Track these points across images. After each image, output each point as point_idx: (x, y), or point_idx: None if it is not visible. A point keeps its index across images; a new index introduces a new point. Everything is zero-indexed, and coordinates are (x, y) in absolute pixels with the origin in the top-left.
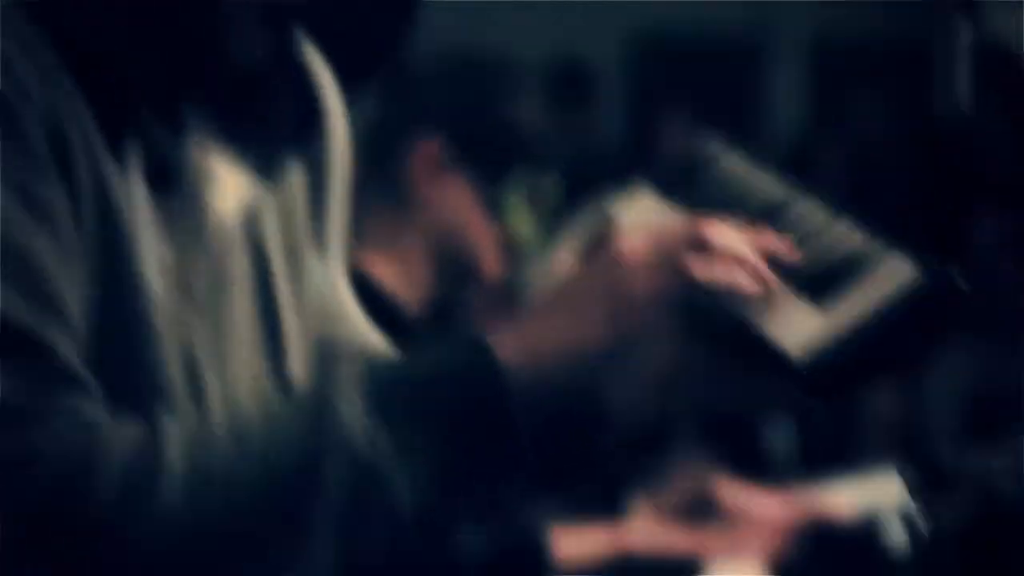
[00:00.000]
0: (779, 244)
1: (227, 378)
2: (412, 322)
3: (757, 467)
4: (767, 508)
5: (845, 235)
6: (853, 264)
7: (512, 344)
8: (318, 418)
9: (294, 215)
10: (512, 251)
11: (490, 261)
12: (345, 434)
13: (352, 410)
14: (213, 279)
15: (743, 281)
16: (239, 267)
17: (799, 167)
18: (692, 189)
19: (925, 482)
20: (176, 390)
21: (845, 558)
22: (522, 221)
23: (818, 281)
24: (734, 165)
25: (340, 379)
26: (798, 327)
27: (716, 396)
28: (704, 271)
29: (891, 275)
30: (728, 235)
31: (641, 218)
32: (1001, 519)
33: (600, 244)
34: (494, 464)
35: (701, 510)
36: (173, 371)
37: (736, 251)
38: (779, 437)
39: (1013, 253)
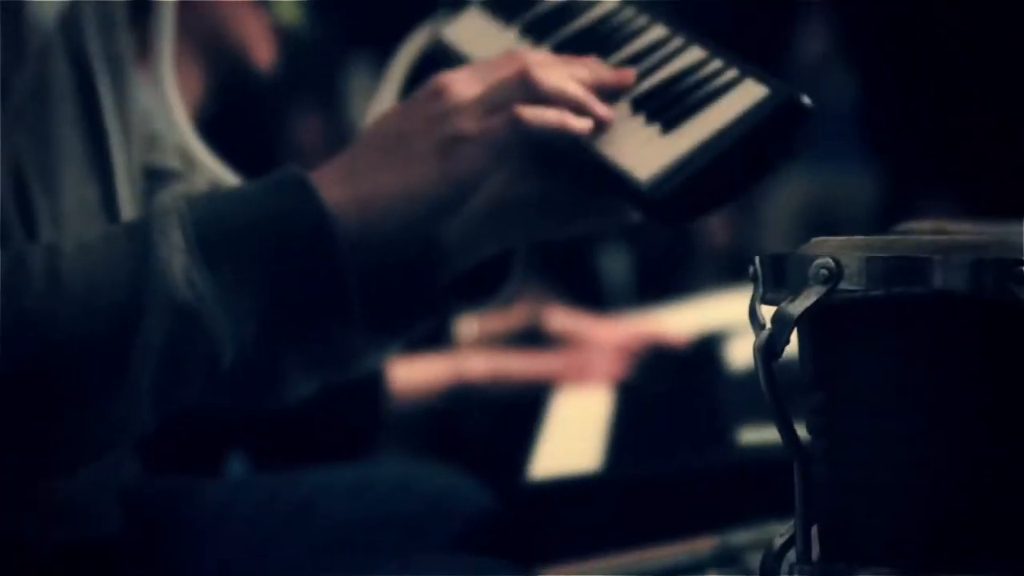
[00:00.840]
0: (611, 74)
1: (56, 201)
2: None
3: (593, 296)
4: (603, 332)
5: (698, 61)
6: (703, 89)
7: (338, 184)
8: (137, 257)
9: (115, 21)
10: (281, 37)
11: (262, 51)
12: (164, 274)
13: (171, 250)
14: (34, 88)
15: (573, 122)
16: (60, 75)
17: None
18: (530, 11)
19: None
20: (8, 215)
21: (684, 377)
22: (287, 5)
23: (667, 107)
24: None
25: (160, 215)
26: (642, 152)
27: (551, 227)
28: (534, 117)
29: (738, 98)
30: (555, 73)
31: (472, 41)
32: None
33: (426, 82)
34: (320, 306)
35: (536, 338)
36: (6, 195)
37: (564, 90)
38: (614, 266)
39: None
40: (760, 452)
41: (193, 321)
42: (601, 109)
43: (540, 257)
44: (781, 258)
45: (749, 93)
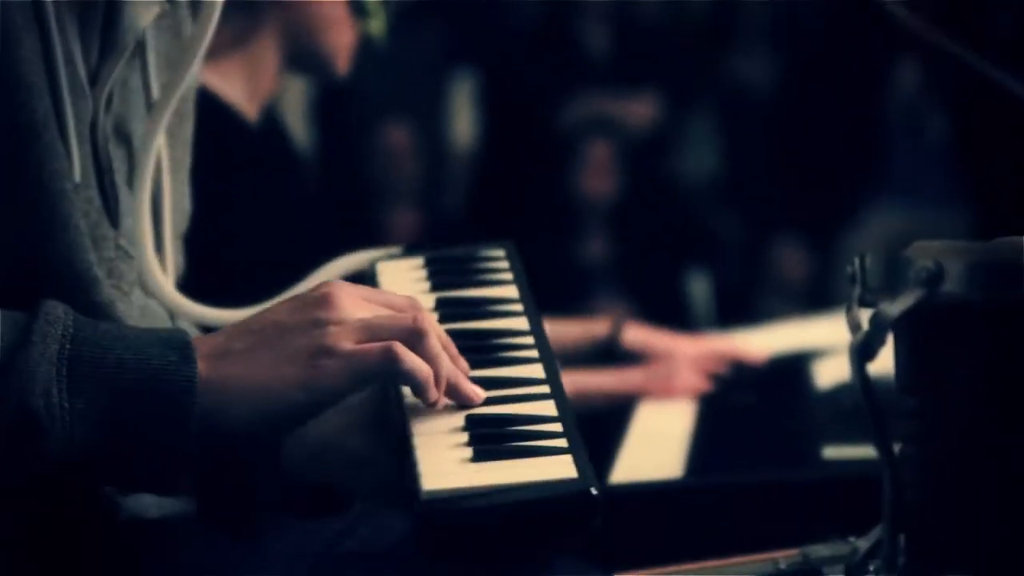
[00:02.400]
0: (468, 387)
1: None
2: (252, 131)
3: (678, 319)
4: (683, 347)
5: (544, 416)
6: (528, 442)
7: (210, 359)
8: (7, 347)
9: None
10: (363, 49)
11: (342, 60)
12: (24, 374)
13: (42, 358)
14: (122, 80)
15: (432, 389)
16: (136, 77)
17: None
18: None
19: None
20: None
21: (767, 394)
22: (377, 19)
23: (490, 440)
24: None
25: (47, 321)
26: (443, 465)
27: (362, 472)
28: (408, 359)
29: (549, 467)
30: (438, 339)
31: (394, 282)
32: None
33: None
34: (150, 463)
35: (611, 355)
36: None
37: (440, 358)
38: (697, 289)
39: None
40: (843, 468)
41: (32, 423)
42: (469, 389)
43: (624, 278)
44: (882, 259)
45: (560, 468)
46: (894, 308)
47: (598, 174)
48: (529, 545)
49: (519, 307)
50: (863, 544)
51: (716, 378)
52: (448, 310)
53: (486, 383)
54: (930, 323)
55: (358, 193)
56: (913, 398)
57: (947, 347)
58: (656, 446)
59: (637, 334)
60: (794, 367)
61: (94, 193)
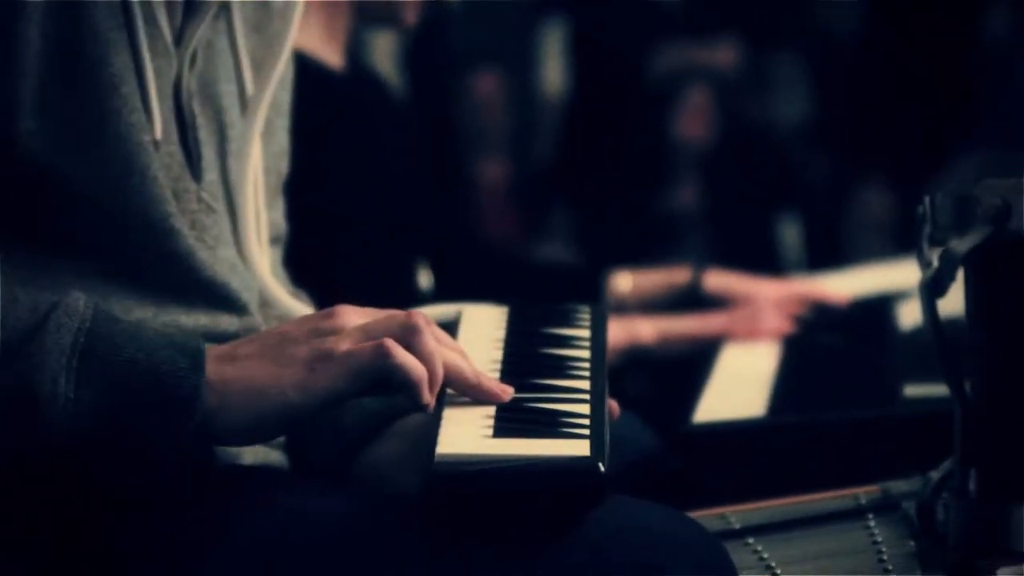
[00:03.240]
0: (494, 384)
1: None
2: (337, 79)
3: (768, 265)
4: (765, 290)
5: (573, 397)
6: (549, 426)
7: (216, 361)
8: (23, 331)
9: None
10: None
11: (411, 13)
12: (34, 359)
13: (55, 347)
14: (206, 42)
15: (426, 391)
16: (222, 38)
17: None
18: None
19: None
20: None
21: (850, 335)
22: None
23: (512, 420)
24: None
25: (66, 312)
26: (463, 435)
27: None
28: (399, 354)
29: (564, 446)
30: (432, 343)
31: (472, 327)
32: None
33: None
34: (152, 456)
35: (694, 301)
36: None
37: (433, 361)
38: (787, 234)
39: None
40: (924, 406)
41: (34, 408)
42: (495, 385)
43: (715, 225)
44: (952, 198)
45: (575, 448)
46: (962, 245)
47: (694, 119)
48: (534, 519)
49: (585, 368)
50: (935, 476)
51: (799, 320)
52: (514, 363)
53: (524, 388)
54: (998, 259)
55: (448, 142)
56: (982, 333)
57: (1015, 282)
58: (739, 387)
59: (719, 279)
60: (878, 309)
61: (176, 148)
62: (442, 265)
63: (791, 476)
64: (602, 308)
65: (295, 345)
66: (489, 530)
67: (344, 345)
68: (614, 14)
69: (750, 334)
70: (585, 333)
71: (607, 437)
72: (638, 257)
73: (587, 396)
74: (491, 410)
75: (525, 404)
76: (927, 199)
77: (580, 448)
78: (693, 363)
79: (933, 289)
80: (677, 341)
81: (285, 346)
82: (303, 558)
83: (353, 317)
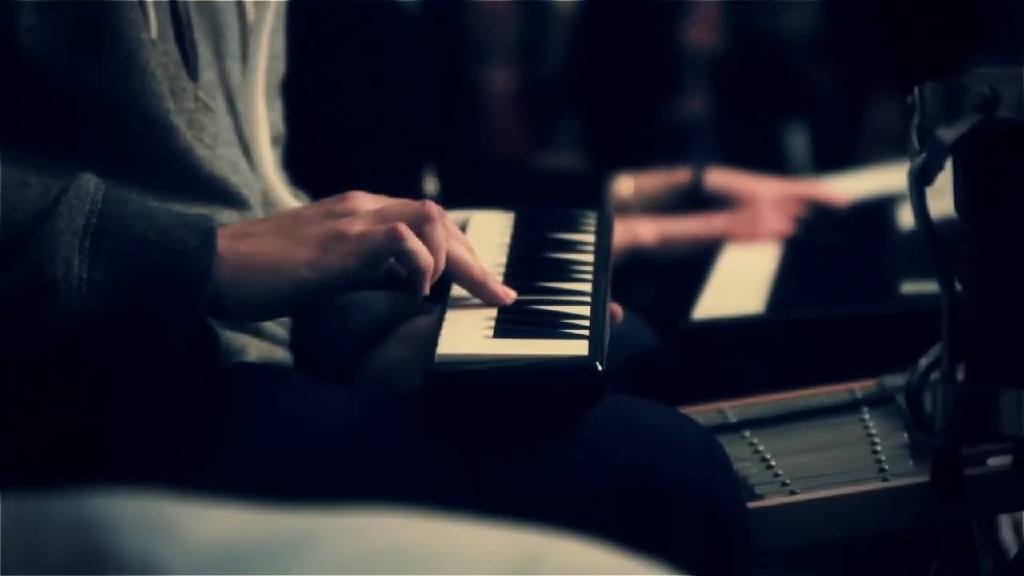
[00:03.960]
0: (498, 286)
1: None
2: None
3: (775, 169)
4: (766, 189)
5: (575, 299)
6: (549, 327)
7: (228, 239)
8: (34, 214)
9: None
10: None
11: None
12: (46, 241)
13: (67, 227)
14: None
15: (424, 283)
16: None
17: None
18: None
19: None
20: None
21: (849, 235)
22: None
23: (512, 321)
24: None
25: (77, 193)
26: (463, 335)
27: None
28: (409, 238)
29: (563, 346)
30: (442, 235)
31: (480, 232)
32: None
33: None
34: (165, 335)
35: (695, 202)
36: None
37: (440, 254)
38: (796, 142)
39: None
40: (921, 302)
41: (49, 290)
42: (499, 287)
43: (723, 132)
44: (941, 88)
45: (573, 348)
46: (951, 133)
47: (704, 27)
48: (533, 418)
49: (589, 272)
50: (923, 362)
51: (800, 221)
52: (518, 268)
53: (527, 290)
54: (985, 147)
55: (457, 50)
56: (969, 222)
57: (1002, 170)
58: (739, 285)
59: (720, 177)
60: (879, 209)
61: (172, 47)
62: (449, 172)
63: (789, 372)
64: (608, 213)
65: (309, 225)
66: (489, 429)
67: (358, 227)
68: None
69: (751, 235)
70: (590, 238)
71: (607, 338)
72: (647, 165)
73: (588, 299)
74: (493, 312)
75: (527, 306)
76: (916, 89)
77: (579, 348)
78: (694, 263)
79: (921, 177)
80: (678, 242)
81: (299, 225)
82: (308, 457)
83: (367, 202)
